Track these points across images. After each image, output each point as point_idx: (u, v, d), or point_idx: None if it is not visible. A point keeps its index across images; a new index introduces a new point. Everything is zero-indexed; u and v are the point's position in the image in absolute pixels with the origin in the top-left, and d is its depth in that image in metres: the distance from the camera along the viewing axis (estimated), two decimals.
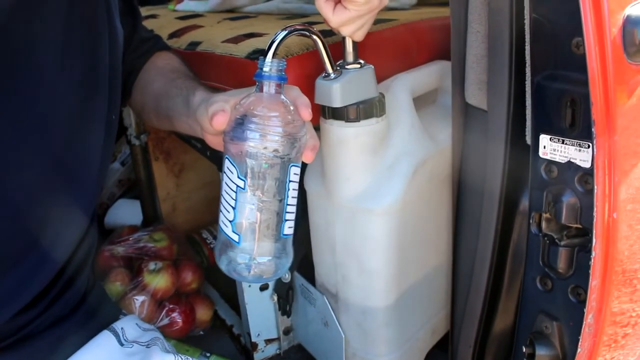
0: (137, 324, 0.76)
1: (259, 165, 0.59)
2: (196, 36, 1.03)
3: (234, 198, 0.60)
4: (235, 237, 0.61)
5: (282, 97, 0.61)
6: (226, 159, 0.61)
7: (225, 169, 0.61)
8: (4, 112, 0.59)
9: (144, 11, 1.31)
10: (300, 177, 0.87)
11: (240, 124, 0.59)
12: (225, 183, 0.61)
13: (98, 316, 0.73)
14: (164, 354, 0.70)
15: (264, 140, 0.59)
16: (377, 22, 0.94)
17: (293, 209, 0.64)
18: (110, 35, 0.69)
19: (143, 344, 0.72)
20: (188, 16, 1.23)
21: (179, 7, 1.32)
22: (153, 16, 1.28)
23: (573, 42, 0.55)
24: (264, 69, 0.61)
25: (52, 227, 0.65)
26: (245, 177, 0.60)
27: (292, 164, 0.61)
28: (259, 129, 0.58)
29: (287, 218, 0.63)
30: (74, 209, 0.68)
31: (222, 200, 0.62)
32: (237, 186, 0.60)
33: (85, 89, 0.66)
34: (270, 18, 1.14)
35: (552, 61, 0.59)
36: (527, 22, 0.61)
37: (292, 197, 0.63)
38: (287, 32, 0.63)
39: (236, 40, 0.92)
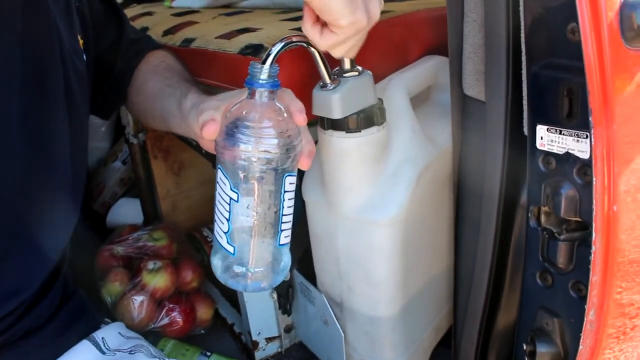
0: (120, 332, 0.75)
1: (253, 177, 0.57)
2: (191, 32, 1.01)
3: (228, 210, 0.58)
4: (230, 249, 0.59)
5: (275, 103, 0.59)
6: (219, 170, 0.59)
7: (219, 180, 0.59)
8: None
9: (139, 9, 1.30)
10: (298, 186, 0.85)
11: (231, 134, 0.57)
12: (219, 194, 0.59)
13: (77, 326, 0.72)
14: (148, 359, 0.69)
15: (257, 152, 0.56)
16: None
17: (289, 218, 0.61)
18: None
19: (126, 350, 0.71)
20: (184, 12, 1.21)
21: (175, 3, 1.30)
22: (149, 13, 1.26)
23: (568, 27, 0.53)
24: (255, 77, 0.58)
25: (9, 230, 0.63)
26: (239, 189, 0.57)
27: (287, 174, 0.59)
28: (251, 140, 0.56)
29: (283, 228, 0.61)
30: (43, 214, 0.65)
31: (216, 211, 0.60)
32: (231, 198, 0.57)
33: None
34: (266, 12, 1.12)
35: (548, 49, 0.57)
36: (521, 7, 0.59)
37: (288, 207, 0.61)
38: (283, 44, 0.61)
39: (229, 36, 0.90)
